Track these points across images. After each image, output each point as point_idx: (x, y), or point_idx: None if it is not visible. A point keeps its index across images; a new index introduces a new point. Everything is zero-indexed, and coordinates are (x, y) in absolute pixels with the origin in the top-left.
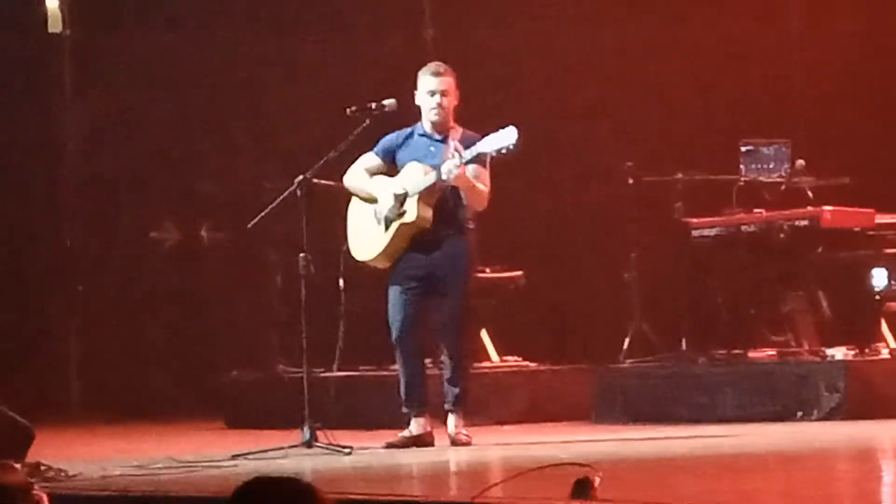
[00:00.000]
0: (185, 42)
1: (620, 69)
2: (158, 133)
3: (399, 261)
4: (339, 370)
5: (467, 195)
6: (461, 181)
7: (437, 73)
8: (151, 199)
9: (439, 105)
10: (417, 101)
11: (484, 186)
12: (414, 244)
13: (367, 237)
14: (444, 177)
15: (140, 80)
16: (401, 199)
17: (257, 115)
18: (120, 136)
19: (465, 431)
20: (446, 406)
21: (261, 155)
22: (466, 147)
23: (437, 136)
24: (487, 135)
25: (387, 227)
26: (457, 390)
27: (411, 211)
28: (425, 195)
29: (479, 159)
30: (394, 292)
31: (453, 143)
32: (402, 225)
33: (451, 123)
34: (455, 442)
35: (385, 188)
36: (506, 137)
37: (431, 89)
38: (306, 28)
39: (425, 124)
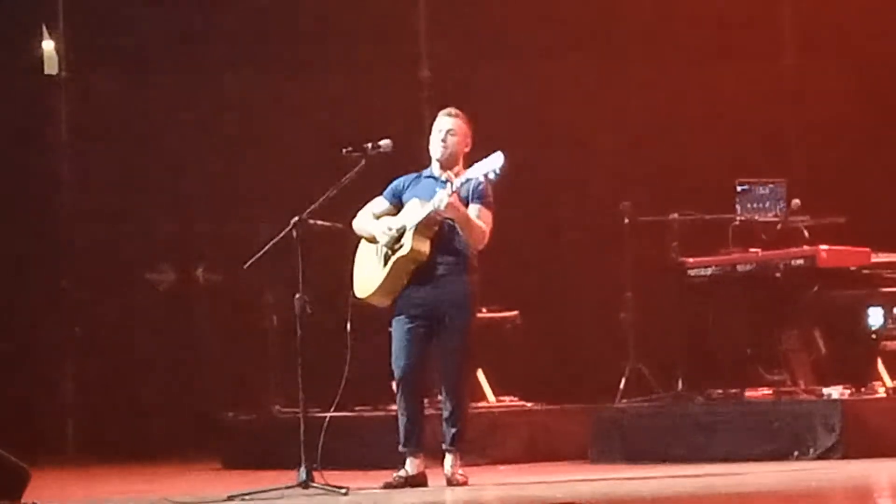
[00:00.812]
0: (180, 83)
1: (616, 109)
2: (154, 174)
3: (400, 297)
4: (335, 410)
5: (463, 229)
6: (452, 211)
7: (449, 115)
8: (147, 240)
9: (443, 142)
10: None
11: (484, 224)
12: (414, 279)
13: (368, 274)
14: (435, 206)
15: (135, 121)
16: (399, 232)
17: (253, 155)
18: (115, 178)
19: (461, 471)
20: (444, 446)
21: (257, 196)
22: (470, 187)
23: (444, 178)
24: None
25: (385, 262)
26: (454, 430)
27: (407, 243)
28: (421, 228)
29: (483, 201)
30: (396, 329)
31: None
32: (398, 258)
33: (459, 167)
34: (451, 482)
35: (384, 224)
36: (493, 162)
37: (440, 128)
38: (303, 69)
39: (433, 166)
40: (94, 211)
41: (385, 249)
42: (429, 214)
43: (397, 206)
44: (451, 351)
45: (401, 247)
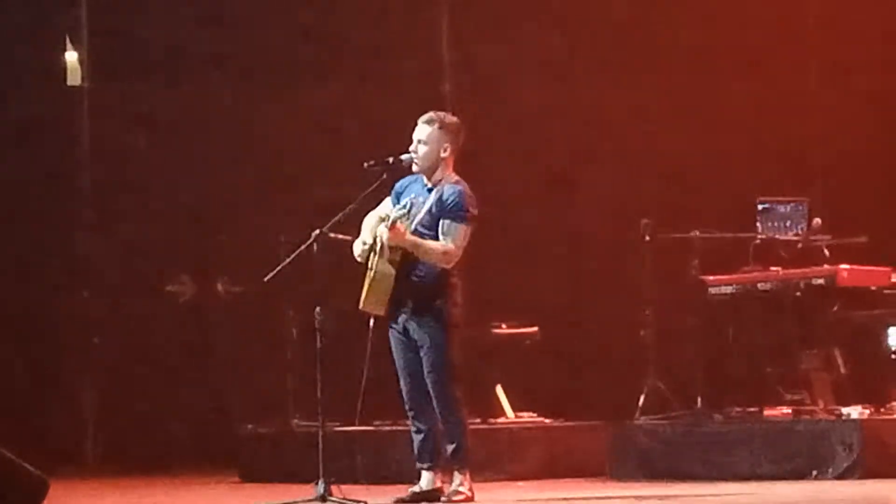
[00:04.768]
0: (203, 95)
1: (638, 125)
2: (175, 186)
3: (388, 311)
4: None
5: (416, 253)
6: (397, 241)
7: (423, 121)
8: (168, 252)
9: (414, 153)
10: None
11: (450, 241)
12: (392, 295)
13: (364, 285)
14: (380, 240)
15: (158, 133)
16: (373, 251)
17: (274, 168)
18: (137, 189)
19: (463, 489)
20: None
21: (278, 208)
22: (442, 199)
23: (429, 185)
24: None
25: (368, 279)
26: (450, 446)
27: (373, 267)
28: (382, 252)
29: (452, 214)
30: (391, 346)
31: (421, 198)
32: (370, 280)
33: (444, 173)
34: (448, 499)
35: (363, 236)
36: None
37: (413, 137)
38: (324, 81)
39: None
40: (115, 222)
41: (370, 263)
42: (382, 243)
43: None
44: (429, 370)
45: (371, 268)
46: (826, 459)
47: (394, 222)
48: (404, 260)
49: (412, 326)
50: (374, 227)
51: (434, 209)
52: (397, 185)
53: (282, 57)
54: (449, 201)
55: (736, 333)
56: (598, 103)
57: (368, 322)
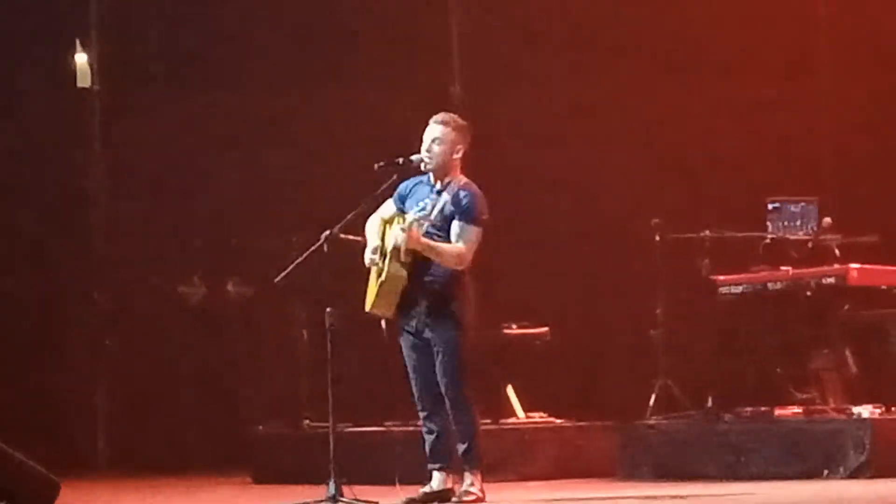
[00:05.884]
0: (212, 97)
1: (648, 126)
2: (186, 188)
3: (399, 311)
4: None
5: (430, 256)
6: (413, 245)
7: (436, 121)
8: (179, 253)
9: (428, 152)
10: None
11: (463, 243)
12: (403, 298)
13: (370, 287)
14: (395, 243)
15: (167, 135)
16: (382, 254)
17: (285, 169)
18: (147, 191)
19: (473, 489)
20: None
21: (288, 210)
22: (455, 201)
23: (438, 186)
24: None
25: (376, 281)
26: (462, 446)
27: (385, 269)
28: (395, 254)
29: (466, 217)
30: (402, 347)
31: (431, 200)
32: (381, 282)
33: (454, 174)
34: (459, 499)
35: (371, 246)
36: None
37: (426, 136)
38: (334, 84)
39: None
40: (125, 224)
41: (378, 265)
42: (396, 246)
43: (402, 210)
44: (442, 370)
45: (382, 270)
46: (837, 459)
47: (411, 225)
48: (415, 262)
49: (427, 328)
50: (378, 230)
51: (447, 210)
52: (401, 187)
53: (290, 60)
54: (464, 204)
55: (746, 333)
56: (608, 104)
57: (380, 323)
